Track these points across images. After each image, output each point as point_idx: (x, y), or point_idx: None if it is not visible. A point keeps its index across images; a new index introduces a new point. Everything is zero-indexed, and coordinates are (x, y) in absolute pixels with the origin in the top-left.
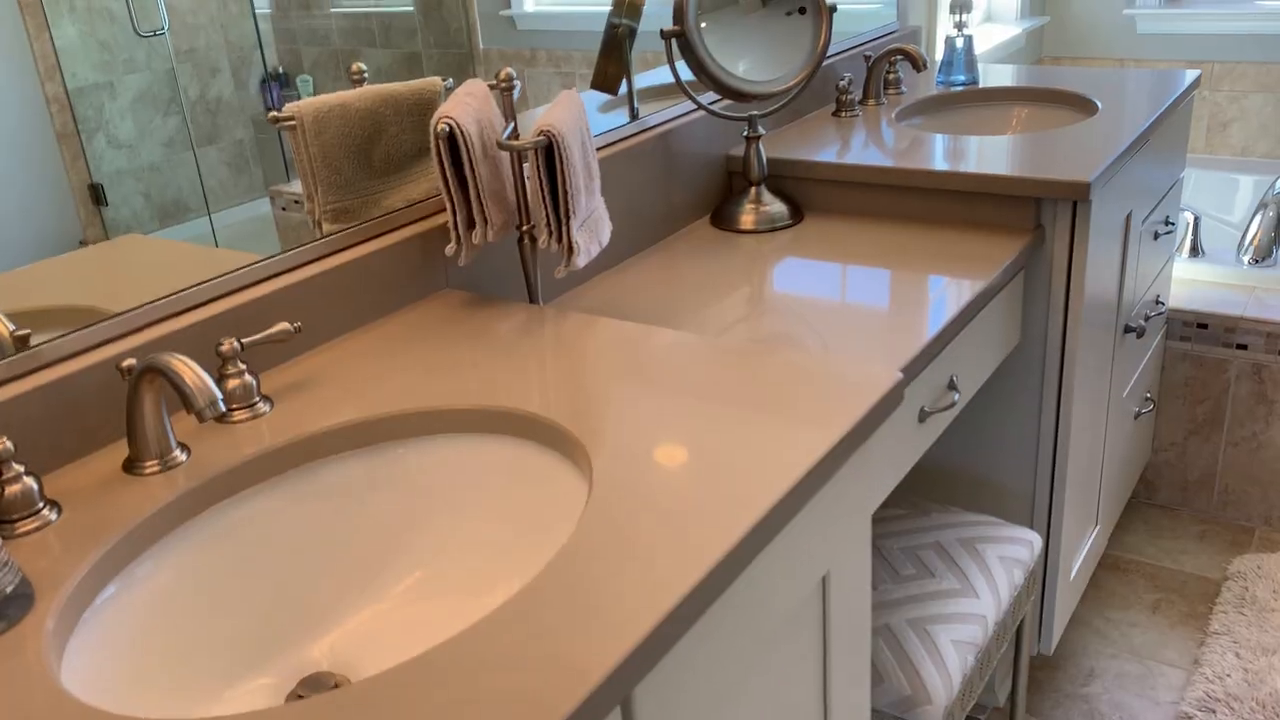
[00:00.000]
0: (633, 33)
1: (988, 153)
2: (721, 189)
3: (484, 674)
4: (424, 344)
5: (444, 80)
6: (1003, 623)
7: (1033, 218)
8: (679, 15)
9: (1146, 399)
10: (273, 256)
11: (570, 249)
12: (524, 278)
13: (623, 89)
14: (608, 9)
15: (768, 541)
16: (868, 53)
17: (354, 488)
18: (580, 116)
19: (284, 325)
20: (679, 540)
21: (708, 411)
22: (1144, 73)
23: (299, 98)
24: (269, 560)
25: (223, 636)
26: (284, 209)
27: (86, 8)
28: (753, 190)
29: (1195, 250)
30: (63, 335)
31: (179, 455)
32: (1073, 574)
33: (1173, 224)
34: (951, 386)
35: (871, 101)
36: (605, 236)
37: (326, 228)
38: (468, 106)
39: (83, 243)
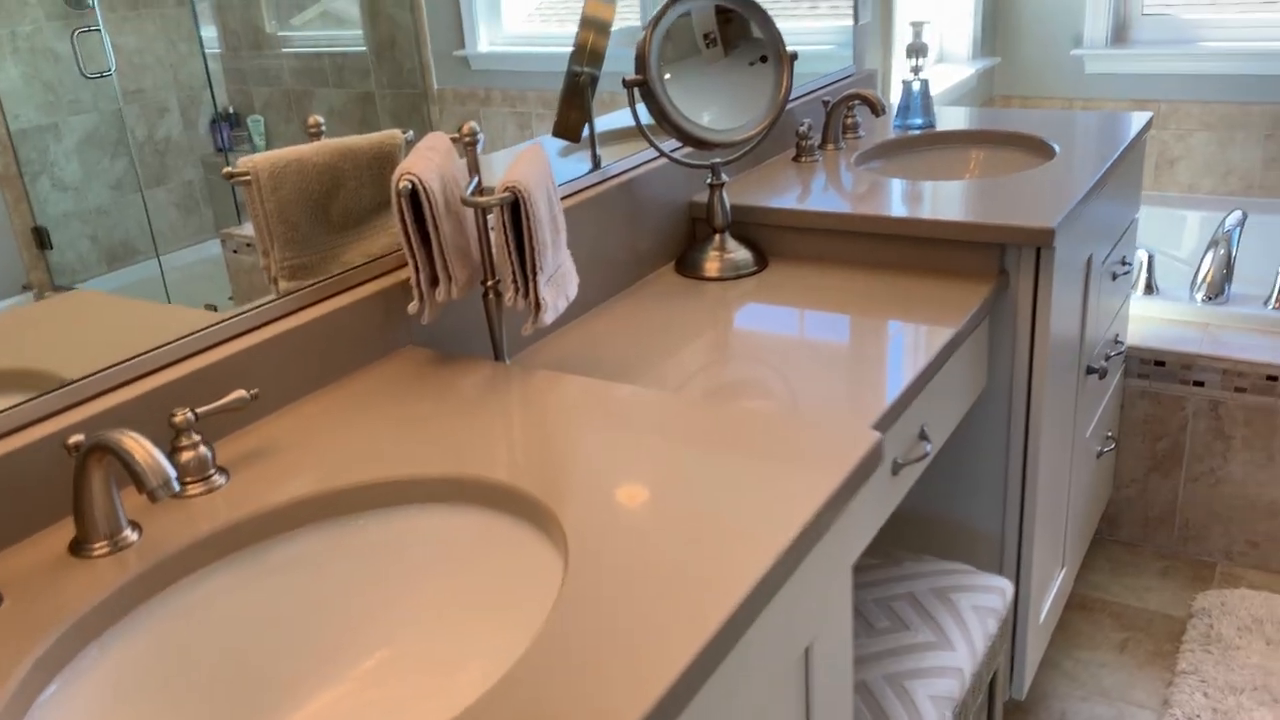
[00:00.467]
0: (594, 80)
1: (951, 199)
2: (685, 236)
3: None
4: (387, 405)
5: (404, 132)
6: (978, 674)
7: (997, 263)
8: (641, 64)
9: (1108, 437)
10: (228, 319)
11: (538, 305)
12: (489, 333)
13: (585, 133)
14: (563, 49)
15: (752, 620)
16: (826, 98)
17: (315, 563)
18: (545, 170)
19: (240, 393)
20: (659, 625)
21: (683, 476)
22: (1097, 114)
23: (250, 138)
24: (226, 643)
25: None
26: (235, 252)
27: (30, 49)
28: (717, 237)
29: (1150, 288)
30: (4, 411)
31: (129, 535)
32: (1042, 617)
33: (1129, 264)
34: (923, 436)
35: (831, 146)
36: (572, 290)
37: (283, 285)
38: (430, 161)
39: (26, 287)
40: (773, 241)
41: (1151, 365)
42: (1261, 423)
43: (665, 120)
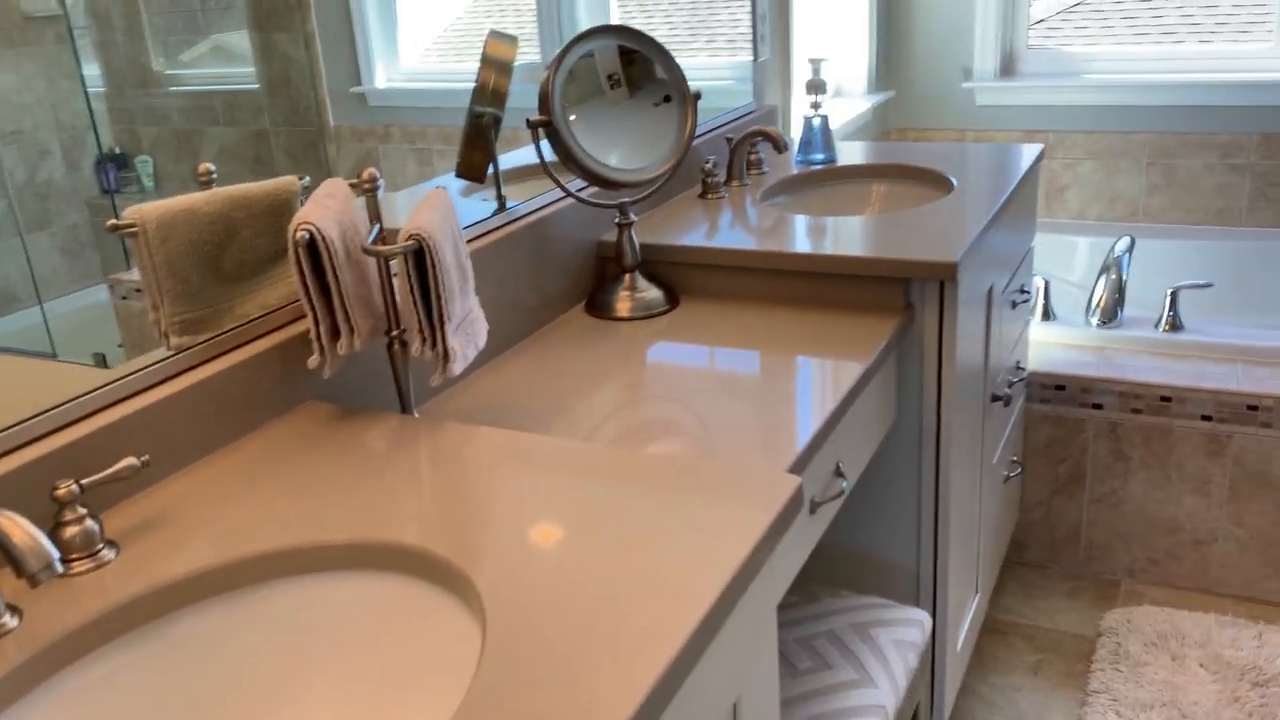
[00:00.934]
0: (497, 121)
1: (857, 234)
2: (595, 276)
3: None
4: (288, 466)
5: (300, 179)
6: (901, 710)
7: (903, 297)
8: (545, 104)
9: (1014, 462)
10: (116, 380)
11: (446, 355)
12: (395, 385)
13: (489, 172)
14: (462, 85)
15: (681, 681)
16: (729, 135)
17: (217, 639)
18: (450, 215)
19: (129, 461)
20: (584, 695)
21: (603, 532)
22: (992, 147)
23: (139, 179)
24: None
25: None
26: (125, 298)
27: None
28: (627, 277)
29: (1047, 314)
30: None
31: (8, 621)
32: (959, 645)
33: (1028, 291)
34: (838, 473)
35: (736, 182)
36: (482, 339)
37: (175, 341)
38: (328, 210)
39: None
40: (683, 279)
41: (1052, 390)
42: (1158, 442)
43: (572, 161)
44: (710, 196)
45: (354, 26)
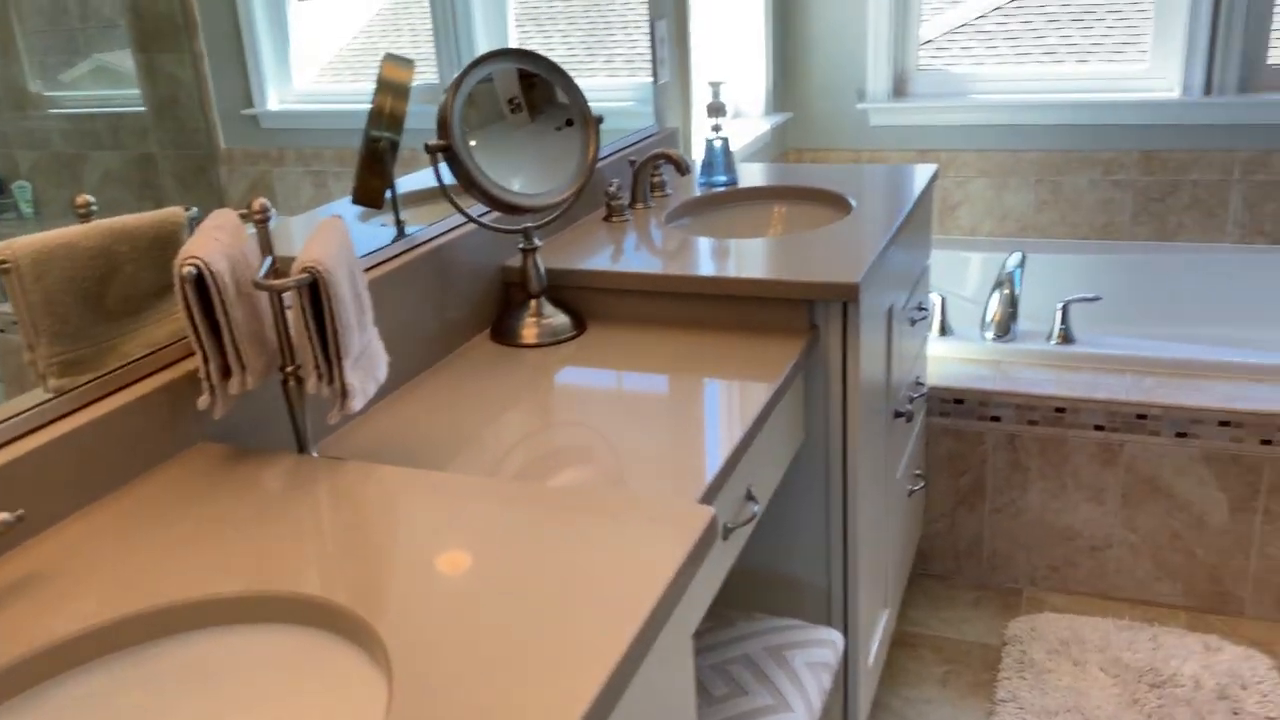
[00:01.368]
0: (394, 145)
1: (762, 257)
2: (499, 302)
3: None
4: (178, 513)
5: (187, 209)
6: None
7: (808, 318)
8: (444, 129)
9: (917, 476)
10: None
11: (344, 392)
12: (291, 423)
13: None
14: (357, 106)
15: None
16: (632, 157)
17: (104, 702)
18: (346, 245)
19: (2, 516)
20: None
21: (513, 572)
22: (888, 168)
23: (16, 205)
24: None
25: None
26: (2, 330)
27: None
28: (533, 303)
29: (944, 329)
30: None
31: None
32: (871, 660)
33: (925, 309)
34: (749, 497)
35: (640, 205)
36: (382, 373)
37: (54, 383)
38: (216, 243)
39: None
40: (590, 304)
41: (951, 404)
42: (1053, 452)
43: (473, 186)
44: (615, 219)
45: (244, 47)
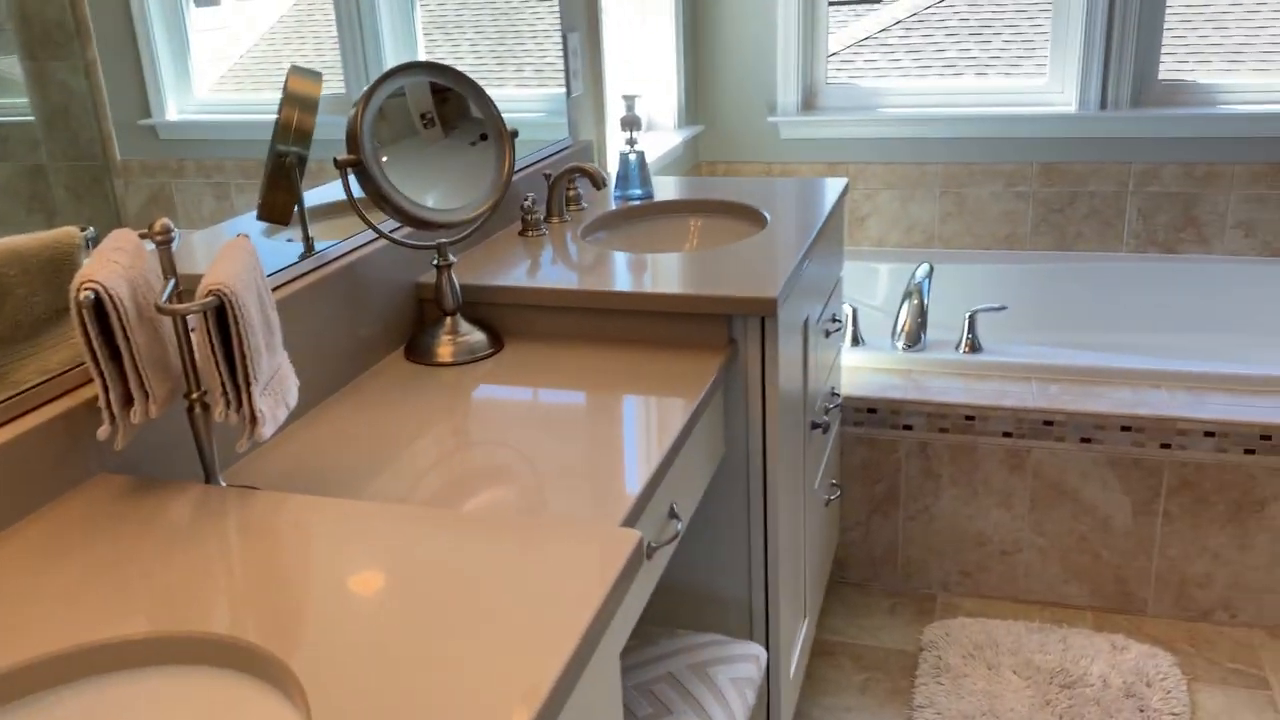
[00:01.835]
0: (302, 160)
1: (679, 272)
2: (413, 319)
3: None
4: (77, 549)
5: (83, 230)
6: None
7: (726, 333)
8: (353, 143)
9: (833, 485)
10: None
11: (254, 418)
12: (197, 452)
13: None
14: (260, 117)
15: None
16: (547, 171)
17: None
18: (254, 265)
19: None
20: None
21: (435, 603)
22: (801, 181)
23: None
24: None
25: None
26: None
27: None
28: (448, 320)
29: (856, 339)
30: None
31: None
32: (792, 672)
33: (839, 320)
34: (673, 515)
35: (555, 219)
36: (293, 398)
37: None
38: (116, 265)
39: None
40: (507, 321)
41: (865, 413)
42: (964, 460)
43: (385, 202)
44: (531, 234)
45: (141, 55)
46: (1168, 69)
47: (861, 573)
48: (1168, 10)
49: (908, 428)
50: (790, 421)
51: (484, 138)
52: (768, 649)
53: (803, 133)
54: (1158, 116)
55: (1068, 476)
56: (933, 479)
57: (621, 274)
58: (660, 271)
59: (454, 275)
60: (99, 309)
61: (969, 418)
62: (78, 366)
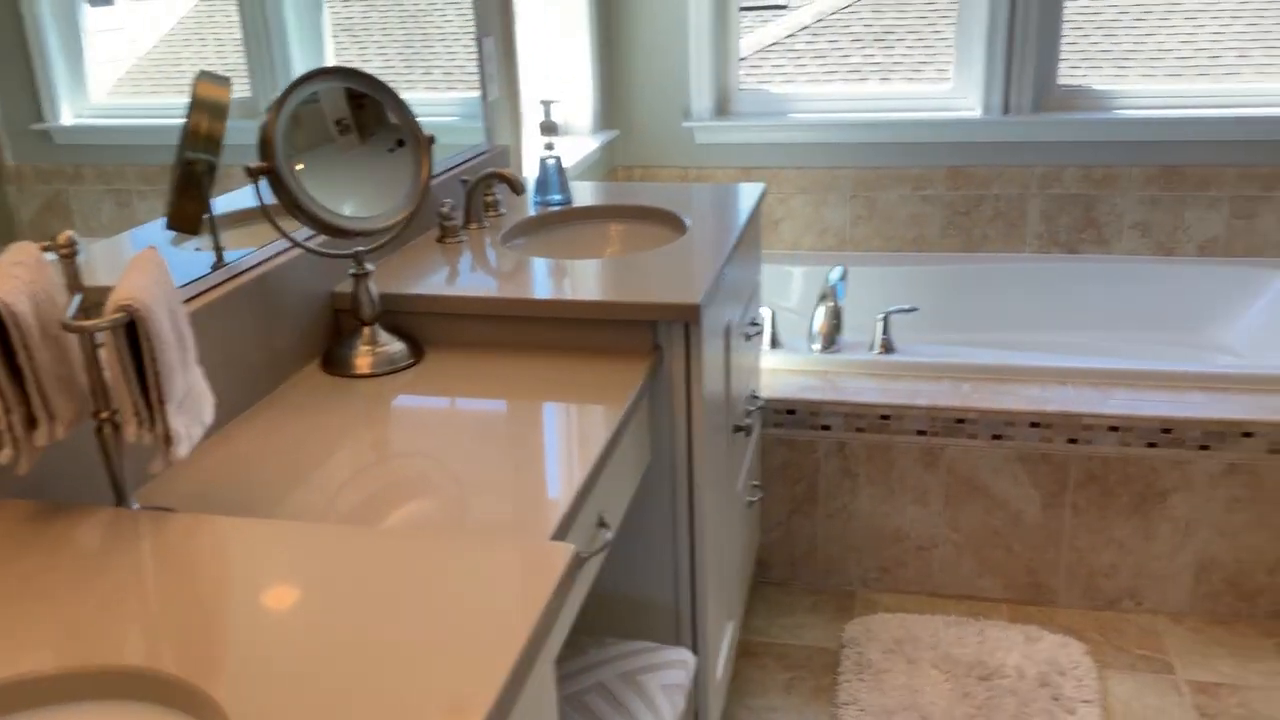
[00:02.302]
0: (212, 168)
1: (602, 278)
2: (330, 330)
3: None
4: None
5: None
6: None
7: (651, 339)
8: (266, 151)
9: (755, 486)
10: None
11: (168, 438)
12: (108, 474)
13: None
14: (163, 121)
15: None
16: (464, 176)
17: None
18: (164, 279)
19: None
20: None
21: (362, 627)
22: (718, 187)
23: None
24: None
25: None
26: None
27: None
28: (366, 330)
29: (774, 342)
30: None
31: None
32: (719, 675)
33: (759, 323)
34: (602, 524)
35: (474, 225)
36: (209, 415)
37: None
38: (16, 280)
39: None
40: (427, 330)
41: (784, 414)
42: (880, 458)
43: (299, 210)
44: (449, 240)
45: (32, 58)
46: (1064, 75)
47: (783, 572)
48: (1064, 17)
49: (826, 428)
50: (714, 425)
51: (401, 144)
52: (695, 653)
53: (717, 138)
54: (1057, 121)
55: (980, 472)
56: (850, 478)
57: (544, 280)
58: (583, 278)
59: (371, 284)
60: None
61: (884, 417)
62: None
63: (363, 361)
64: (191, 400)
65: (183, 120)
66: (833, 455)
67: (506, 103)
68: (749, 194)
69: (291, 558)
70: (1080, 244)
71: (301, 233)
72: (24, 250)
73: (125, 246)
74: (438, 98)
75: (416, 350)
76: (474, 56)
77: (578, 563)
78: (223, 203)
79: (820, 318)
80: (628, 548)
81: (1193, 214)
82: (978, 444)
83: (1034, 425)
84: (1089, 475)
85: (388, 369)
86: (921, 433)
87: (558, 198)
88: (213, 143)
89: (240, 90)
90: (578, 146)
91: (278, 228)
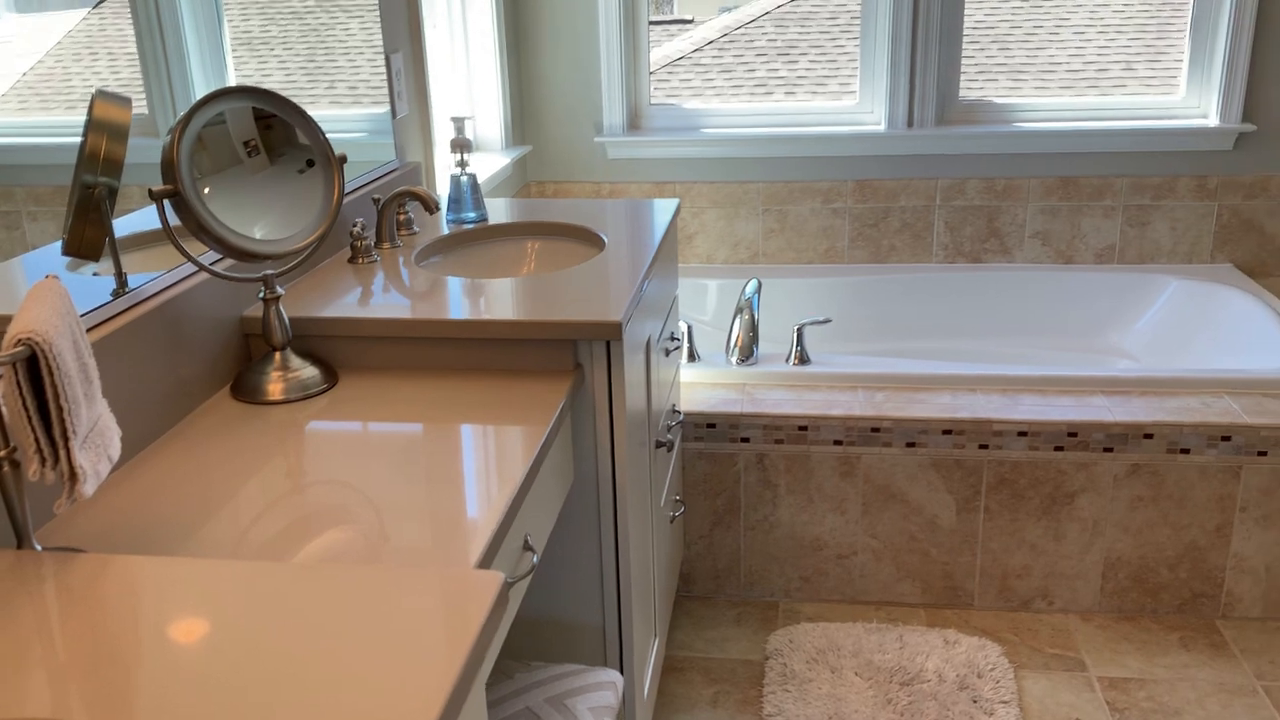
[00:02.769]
0: (113, 192)
1: (519, 297)
2: (240, 356)
3: None
4: None
5: None
6: None
7: (572, 358)
8: (170, 173)
9: (677, 501)
10: None
11: (74, 476)
12: (7, 514)
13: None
14: (52, 139)
15: None
16: (376, 195)
17: None
18: (67, 310)
19: None
20: None
21: (287, 669)
22: (633, 202)
23: None
24: None
25: None
26: None
27: None
28: (277, 356)
29: (692, 355)
30: None
31: None
32: (645, 693)
33: (678, 338)
34: (527, 547)
35: (387, 245)
36: (115, 450)
37: None
38: None
39: None
40: (341, 353)
41: (704, 428)
42: (799, 469)
43: (205, 233)
44: (361, 261)
45: None
46: (964, 88)
47: (706, 586)
48: (964, 32)
49: (745, 440)
50: (637, 442)
51: (311, 164)
52: (623, 673)
53: (630, 153)
54: (960, 134)
55: (896, 480)
56: (770, 489)
57: (460, 300)
58: (500, 297)
59: (282, 308)
60: None
61: (802, 428)
62: None
63: (274, 388)
64: (97, 435)
65: (79, 140)
66: (752, 467)
67: (417, 119)
68: (664, 209)
69: (205, 597)
70: (984, 254)
71: (208, 256)
72: None
73: (17, 272)
74: (343, 114)
75: (330, 375)
76: (380, 71)
77: (508, 593)
78: (124, 224)
79: (737, 330)
80: (553, 570)
81: (1089, 223)
82: (892, 452)
83: (946, 432)
84: (1000, 479)
85: (300, 395)
86: (838, 442)
87: (472, 215)
88: (113, 165)
89: (138, 108)
90: (489, 163)
91: (183, 252)
